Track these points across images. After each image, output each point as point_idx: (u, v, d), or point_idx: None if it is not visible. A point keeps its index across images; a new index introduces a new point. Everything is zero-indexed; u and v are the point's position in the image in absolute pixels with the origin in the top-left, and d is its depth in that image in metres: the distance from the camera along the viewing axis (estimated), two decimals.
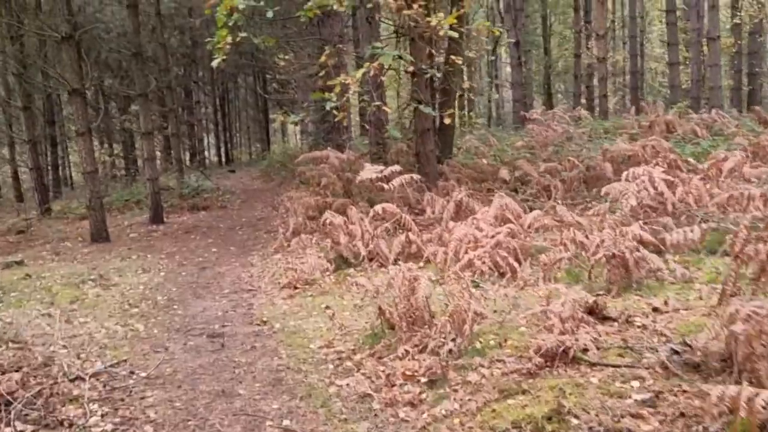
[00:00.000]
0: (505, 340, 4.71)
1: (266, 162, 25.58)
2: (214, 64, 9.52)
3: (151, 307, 7.40)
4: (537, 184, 10.17)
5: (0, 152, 26.65)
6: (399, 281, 5.04)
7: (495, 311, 5.29)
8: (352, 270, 7.74)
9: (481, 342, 4.72)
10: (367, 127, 13.31)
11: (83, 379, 5.06)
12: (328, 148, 14.59)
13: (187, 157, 37.06)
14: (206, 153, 37.72)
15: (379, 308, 5.31)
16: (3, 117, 23.36)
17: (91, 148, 11.80)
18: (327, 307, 6.63)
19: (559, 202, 9.61)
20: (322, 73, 9.99)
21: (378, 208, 7.96)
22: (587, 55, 24.52)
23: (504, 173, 10.41)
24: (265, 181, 22.20)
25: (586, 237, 6.79)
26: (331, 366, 5.09)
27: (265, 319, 6.60)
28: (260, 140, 45.62)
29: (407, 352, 4.83)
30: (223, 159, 39.26)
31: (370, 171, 8.46)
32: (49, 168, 23.34)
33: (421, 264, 7.68)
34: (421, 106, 9.48)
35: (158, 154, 35.25)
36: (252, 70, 38.67)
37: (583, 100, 25.52)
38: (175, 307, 7.40)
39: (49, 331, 6.45)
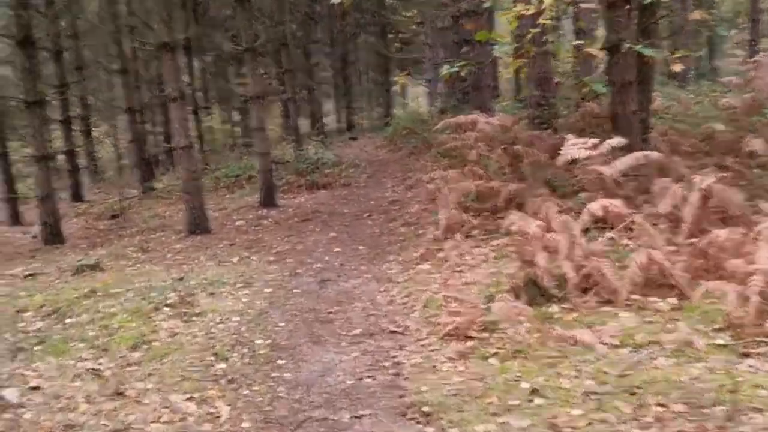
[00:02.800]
0: None
1: (391, 128, 22.87)
2: None
3: (246, 362, 4.81)
4: None
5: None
6: None
7: None
8: (554, 308, 4.82)
9: None
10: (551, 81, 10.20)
11: None
12: (477, 112, 11.68)
13: (307, 124, 35.20)
14: (326, 119, 35.58)
15: None
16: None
17: (185, 117, 9.46)
18: (534, 392, 3.78)
19: None
20: (487, 3, 7.02)
21: (595, 206, 4.96)
22: None
23: (757, 144, 7.08)
24: (391, 150, 19.50)
25: None
26: None
27: (426, 407, 3.83)
28: (381, 104, 43.13)
29: None
30: (344, 125, 37.03)
31: (576, 147, 5.44)
32: (163, 138, 21.77)
33: (674, 300, 4.69)
34: (638, 47, 6.32)
35: (278, 121, 33.54)
36: (374, 29, 36.08)
37: None
38: (281, 362, 4.78)
39: (81, 417, 4.00)
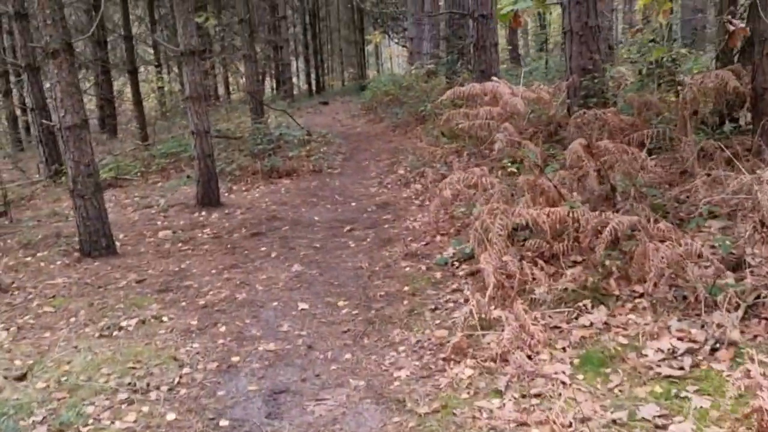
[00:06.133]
0: None
1: (369, 93, 19.64)
2: None
3: None
4: None
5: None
6: None
7: None
8: None
9: None
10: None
11: None
12: (485, 79, 8.61)
13: (273, 86, 31.64)
14: (294, 80, 32.03)
15: None
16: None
17: (73, 81, 6.17)
18: None
19: None
20: None
21: None
22: None
23: None
24: (371, 120, 16.36)
25: None
26: None
27: None
28: (354, 65, 39.62)
29: None
30: (313, 87, 33.55)
31: None
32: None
33: None
34: None
35: (239, 81, 29.81)
36: None
37: None
38: None
39: None
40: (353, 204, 7.91)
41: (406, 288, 4.91)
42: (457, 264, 5.15)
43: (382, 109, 16.65)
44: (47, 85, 10.20)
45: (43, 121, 9.49)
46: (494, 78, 8.85)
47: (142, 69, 23.28)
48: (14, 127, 18.69)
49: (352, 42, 37.49)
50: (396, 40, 35.64)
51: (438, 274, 5.04)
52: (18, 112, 18.96)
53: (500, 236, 4.36)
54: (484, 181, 5.46)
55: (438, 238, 5.85)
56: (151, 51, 26.47)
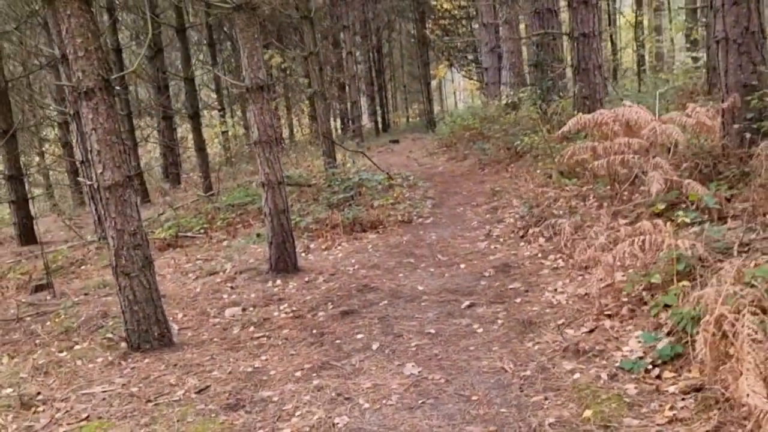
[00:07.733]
0: None
1: (446, 128, 18.18)
2: None
3: None
4: None
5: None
6: None
7: None
8: None
9: None
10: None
11: None
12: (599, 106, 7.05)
13: (336, 125, 30.60)
14: (362, 119, 30.89)
15: None
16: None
17: (113, 129, 4.83)
18: None
19: None
20: None
21: None
22: None
23: None
24: (452, 158, 14.83)
25: None
26: None
27: None
28: (418, 101, 38.36)
29: None
30: (380, 125, 32.35)
31: None
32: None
33: None
34: None
35: (304, 122, 28.89)
36: (412, 13, 31.42)
37: None
38: None
39: None
40: (462, 266, 6.32)
41: (587, 412, 3.27)
42: (655, 370, 3.49)
43: (464, 145, 15.14)
44: None
45: (79, 179, 8.28)
46: (626, 102, 7.32)
47: (204, 113, 22.53)
48: (76, 180, 17.92)
49: (417, 77, 36.24)
50: (462, 73, 34.24)
51: (630, 388, 3.38)
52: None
53: (758, 343, 2.71)
54: (679, 244, 3.83)
55: (607, 323, 4.19)
56: (214, 95, 25.80)
